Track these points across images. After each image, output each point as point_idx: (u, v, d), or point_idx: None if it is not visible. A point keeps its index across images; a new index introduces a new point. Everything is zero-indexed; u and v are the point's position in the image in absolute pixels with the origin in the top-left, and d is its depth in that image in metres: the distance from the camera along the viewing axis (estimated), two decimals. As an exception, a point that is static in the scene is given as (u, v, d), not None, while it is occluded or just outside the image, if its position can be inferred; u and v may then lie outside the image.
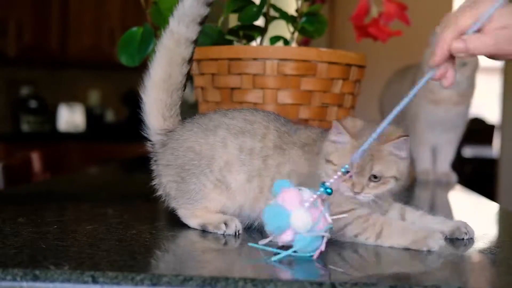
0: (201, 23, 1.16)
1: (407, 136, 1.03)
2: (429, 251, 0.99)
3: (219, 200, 1.12)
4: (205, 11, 1.15)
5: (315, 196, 0.94)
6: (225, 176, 1.11)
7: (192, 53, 1.18)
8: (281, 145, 1.10)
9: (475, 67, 2.03)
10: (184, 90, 1.20)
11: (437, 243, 0.99)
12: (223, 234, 1.09)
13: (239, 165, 1.10)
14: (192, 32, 1.15)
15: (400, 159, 1.04)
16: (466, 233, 1.09)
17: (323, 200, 0.95)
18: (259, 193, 1.10)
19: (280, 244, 0.95)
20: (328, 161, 1.04)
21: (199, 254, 0.98)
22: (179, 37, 1.15)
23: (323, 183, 0.95)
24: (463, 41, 1.01)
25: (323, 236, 0.93)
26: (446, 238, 1.08)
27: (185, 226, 1.15)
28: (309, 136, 1.12)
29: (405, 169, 1.06)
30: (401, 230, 1.01)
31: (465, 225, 1.11)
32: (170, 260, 0.95)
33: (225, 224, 1.09)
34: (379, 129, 1.00)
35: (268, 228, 0.95)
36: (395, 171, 1.04)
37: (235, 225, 1.09)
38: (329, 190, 0.95)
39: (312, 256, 0.92)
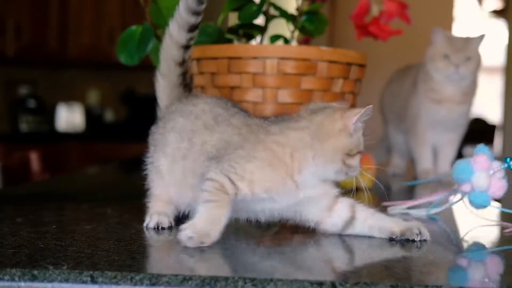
0: (190, 30, 1.18)
1: (370, 107, 1.06)
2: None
3: (161, 190, 1.15)
4: (191, 19, 1.17)
5: (501, 167, 1.21)
6: (158, 159, 1.14)
7: (184, 58, 1.21)
8: (212, 125, 1.10)
9: (479, 62, 2.02)
10: (185, 88, 1.23)
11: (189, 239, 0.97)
12: (145, 227, 1.11)
13: (165, 145, 1.13)
14: (181, 37, 1.19)
15: (360, 133, 1.08)
16: (418, 234, 1.07)
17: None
18: (182, 177, 1.11)
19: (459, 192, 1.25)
20: (354, 154, 1.05)
21: (199, 254, 0.97)
22: (172, 39, 1.20)
23: (507, 158, 1.20)
24: None
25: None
26: (396, 238, 1.08)
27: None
28: (244, 118, 1.11)
29: (361, 138, 1.09)
30: (215, 216, 0.99)
31: (419, 226, 1.08)
32: (169, 260, 0.95)
33: (150, 217, 1.12)
34: None
35: (453, 176, 1.22)
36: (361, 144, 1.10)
37: (157, 220, 1.11)
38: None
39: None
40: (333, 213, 1.10)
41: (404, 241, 1.07)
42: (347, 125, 1.04)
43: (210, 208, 0.99)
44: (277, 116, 1.13)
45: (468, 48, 2.00)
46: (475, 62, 2.01)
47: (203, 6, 1.17)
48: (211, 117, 1.12)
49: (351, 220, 1.10)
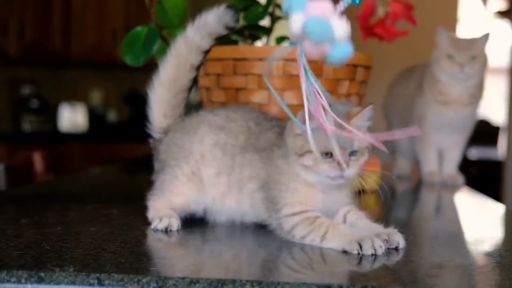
0: (216, 39, 1.20)
1: (371, 104, 1.06)
2: (373, 255, 0.98)
3: (186, 195, 1.16)
4: (222, 31, 1.19)
5: (342, 5, 0.90)
6: (199, 168, 1.15)
7: (202, 61, 1.23)
8: (246, 146, 1.14)
9: (485, 61, 2.01)
10: (189, 94, 1.25)
11: (376, 248, 0.99)
12: (153, 229, 1.11)
13: (210, 159, 1.15)
14: (206, 43, 1.20)
15: (367, 129, 1.07)
16: (385, 241, 1.04)
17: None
18: (227, 188, 1.14)
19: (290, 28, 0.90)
20: (304, 153, 1.04)
21: (206, 256, 0.97)
22: (191, 44, 1.20)
23: None
24: None
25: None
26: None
27: (192, 228, 1.14)
28: (269, 140, 1.13)
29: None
30: (345, 233, 1.02)
31: (389, 233, 1.05)
32: (176, 262, 0.94)
33: (160, 219, 1.12)
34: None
35: (312, 37, 0.88)
36: (367, 142, 1.05)
37: (168, 223, 1.12)
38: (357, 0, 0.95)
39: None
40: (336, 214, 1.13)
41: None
42: (292, 127, 1.06)
43: (334, 237, 1.02)
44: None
45: (472, 48, 2.00)
46: (481, 61, 2.00)
47: (237, 24, 1.19)
48: (246, 137, 1.15)
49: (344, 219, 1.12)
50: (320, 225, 1.03)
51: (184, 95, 1.24)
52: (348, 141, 1.03)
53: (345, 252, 0.99)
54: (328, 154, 1.03)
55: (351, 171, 1.04)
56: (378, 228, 1.08)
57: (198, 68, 1.23)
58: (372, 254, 0.98)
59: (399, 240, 1.05)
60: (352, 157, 1.04)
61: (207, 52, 1.22)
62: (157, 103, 1.23)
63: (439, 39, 2.03)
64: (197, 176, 1.16)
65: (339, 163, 1.02)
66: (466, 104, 2.05)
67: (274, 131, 1.14)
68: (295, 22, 0.89)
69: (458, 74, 1.99)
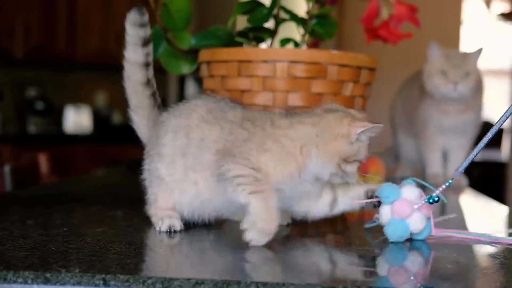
0: (143, 44, 1.24)
1: (381, 125, 1.08)
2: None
3: (164, 197, 1.14)
4: (140, 32, 1.24)
5: (422, 200, 1.10)
6: (158, 168, 1.13)
7: (147, 76, 1.25)
8: (209, 119, 1.11)
9: (478, 78, 1.99)
10: (159, 108, 1.26)
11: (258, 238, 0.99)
12: (159, 231, 1.11)
13: (160, 149, 1.13)
14: (139, 55, 1.24)
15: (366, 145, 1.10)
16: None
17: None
18: (184, 175, 1.10)
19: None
20: (351, 161, 1.06)
21: (211, 257, 0.97)
22: (131, 64, 1.26)
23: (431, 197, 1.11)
24: None
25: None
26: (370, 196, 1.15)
27: (195, 229, 1.14)
28: (252, 115, 1.11)
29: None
30: (265, 213, 0.99)
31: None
32: (181, 263, 0.95)
33: (162, 221, 1.12)
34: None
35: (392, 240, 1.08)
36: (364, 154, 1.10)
37: (170, 223, 1.11)
38: (435, 198, 1.11)
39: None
40: (319, 200, 1.13)
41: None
42: (351, 133, 1.05)
43: (260, 201, 1.00)
44: (284, 110, 1.15)
45: (466, 64, 1.97)
46: (474, 78, 1.97)
47: (146, 17, 1.23)
48: (206, 111, 1.12)
49: (334, 200, 1.14)
50: (261, 185, 1.00)
51: (155, 113, 1.25)
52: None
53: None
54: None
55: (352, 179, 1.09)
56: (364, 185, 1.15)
57: (148, 83, 1.25)
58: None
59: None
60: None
61: (147, 64, 1.25)
62: (139, 131, 1.28)
63: (431, 54, 2.00)
64: (158, 177, 1.14)
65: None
66: (463, 111, 2.04)
67: (241, 107, 1.14)
68: (383, 215, 1.10)
69: (451, 93, 1.97)
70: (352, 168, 1.06)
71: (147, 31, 1.24)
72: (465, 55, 1.99)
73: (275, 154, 1.04)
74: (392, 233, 1.07)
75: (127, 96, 1.27)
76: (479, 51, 1.98)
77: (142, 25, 1.24)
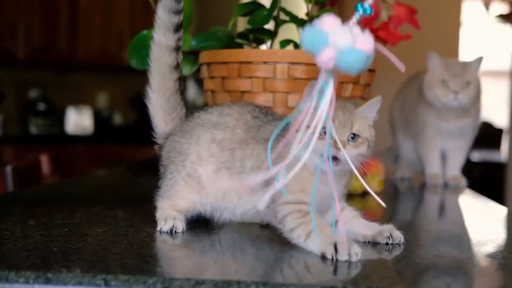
0: (176, 30, 1.24)
1: (380, 96, 1.06)
2: (346, 261, 0.95)
3: (188, 198, 1.16)
4: (174, 19, 1.23)
5: (354, 19, 0.88)
6: (195, 169, 1.15)
7: (177, 60, 1.26)
8: (245, 139, 1.14)
9: (478, 87, 1.99)
10: (182, 94, 1.27)
11: (353, 254, 0.95)
12: (159, 231, 1.12)
13: (207, 156, 1.15)
14: (169, 39, 1.24)
15: (370, 125, 1.07)
16: (389, 238, 1.07)
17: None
18: (228, 183, 1.13)
19: (320, 64, 0.88)
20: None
21: (211, 257, 0.98)
22: (160, 46, 1.24)
23: (359, 4, 0.89)
24: None
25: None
26: (369, 242, 1.08)
27: (197, 229, 1.15)
28: (271, 131, 1.10)
29: (374, 137, 1.07)
30: (328, 236, 0.98)
31: (390, 230, 1.09)
32: (182, 264, 0.95)
33: (165, 221, 1.13)
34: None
35: (305, 48, 0.88)
36: (369, 134, 1.05)
37: (172, 224, 1.12)
38: (368, 10, 0.90)
39: None
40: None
41: (379, 244, 1.08)
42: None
43: (315, 239, 0.99)
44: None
45: (466, 73, 1.96)
46: (475, 88, 1.97)
47: (181, 4, 1.23)
48: (244, 129, 1.15)
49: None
50: (310, 222, 0.99)
51: (176, 98, 1.26)
52: (348, 122, 1.03)
53: (323, 257, 0.96)
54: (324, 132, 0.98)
55: (348, 153, 0.99)
56: (376, 226, 1.09)
57: (177, 67, 1.25)
58: (346, 261, 0.95)
59: (400, 235, 1.07)
60: (351, 142, 1.03)
61: (177, 49, 1.25)
62: (154, 111, 1.27)
63: (431, 64, 2.00)
64: (193, 178, 1.15)
65: (335, 142, 0.99)
66: (462, 117, 2.05)
67: (275, 123, 1.13)
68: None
69: (452, 102, 1.97)
70: None
71: (181, 18, 1.24)
72: (465, 64, 1.99)
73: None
74: (308, 40, 0.88)
75: (150, 76, 1.26)
76: (479, 60, 1.98)
77: (177, 12, 1.23)
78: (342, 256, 0.94)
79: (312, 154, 0.95)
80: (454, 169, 2.13)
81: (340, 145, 0.99)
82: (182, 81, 1.28)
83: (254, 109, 1.18)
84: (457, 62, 2.02)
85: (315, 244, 0.98)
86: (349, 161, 0.97)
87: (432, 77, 1.99)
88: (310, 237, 0.99)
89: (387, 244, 1.07)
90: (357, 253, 0.95)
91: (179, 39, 1.25)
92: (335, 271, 0.92)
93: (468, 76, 1.96)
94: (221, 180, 1.14)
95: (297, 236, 1.01)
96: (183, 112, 1.27)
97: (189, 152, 1.16)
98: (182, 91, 1.27)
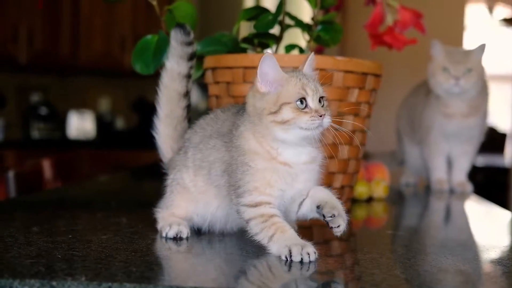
0: (190, 59, 1.26)
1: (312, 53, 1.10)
2: (301, 262, 0.97)
3: (183, 206, 1.17)
4: (188, 49, 1.25)
5: None
6: (183, 177, 1.16)
7: (188, 87, 1.27)
8: (211, 134, 1.15)
9: (481, 73, 2.00)
10: (188, 124, 1.28)
11: (304, 255, 0.98)
12: (164, 237, 1.12)
13: (191, 162, 1.16)
14: (182, 67, 1.26)
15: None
16: (333, 216, 1.05)
17: None
18: (204, 185, 1.14)
19: None
20: (279, 108, 1.02)
21: (217, 265, 0.97)
22: (172, 73, 1.26)
23: None
24: None
25: None
26: (319, 209, 1.07)
27: (201, 236, 1.14)
28: (232, 123, 1.12)
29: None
30: (289, 238, 1.01)
31: (341, 212, 1.06)
32: (187, 271, 0.94)
33: (170, 226, 1.13)
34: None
35: None
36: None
37: (177, 229, 1.12)
38: None
39: None
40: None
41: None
42: (256, 88, 1.06)
43: (278, 240, 1.01)
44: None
45: (468, 60, 1.98)
46: (477, 74, 1.98)
47: (191, 36, 1.25)
48: (212, 127, 1.16)
49: (303, 201, 1.10)
50: (271, 226, 1.02)
51: (183, 126, 1.27)
52: (317, 88, 1.05)
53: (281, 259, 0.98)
54: (303, 103, 1.02)
55: (328, 118, 1.03)
56: (337, 203, 1.07)
57: (186, 95, 1.26)
58: (300, 261, 0.97)
59: (341, 223, 1.05)
60: (323, 106, 1.05)
61: (188, 76, 1.26)
62: (161, 141, 1.28)
63: (434, 52, 2.02)
64: (185, 188, 1.16)
65: (316, 111, 1.02)
66: (467, 115, 2.04)
67: (237, 115, 1.13)
68: None
69: (453, 88, 1.98)
70: (286, 113, 1.02)
71: (194, 48, 1.26)
72: (467, 52, 2.02)
73: (245, 164, 1.06)
74: None
75: (159, 105, 1.26)
76: (482, 47, 1.99)
77: (188, 43, 1.25)
78: (296, 258, 0.97)
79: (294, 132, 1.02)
80: (460, 174, 2.12)
81: (323, 111, 1.03)
82: (189, 108, 1.29)
83: (230, 107, 1.19)
84: (459, 50, 2.05)
85: (275, 248, 1.01)
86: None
87: (435, 64, 2.02)
88: (272, 240, 1.02)
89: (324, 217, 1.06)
90: (309, 253, 0.98)
91: (191, 67, 1.26)
92: (342, 276, 0.90)
93: (470, 63, 1.98)
94: (199, 183, 1.14)
95: (260, 239, 1.03)
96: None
97: (179, 163, 1.18)
98: (190, 118, 1.28)
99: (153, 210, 1.20)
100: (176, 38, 1.24)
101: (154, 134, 1.27)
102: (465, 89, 1.98)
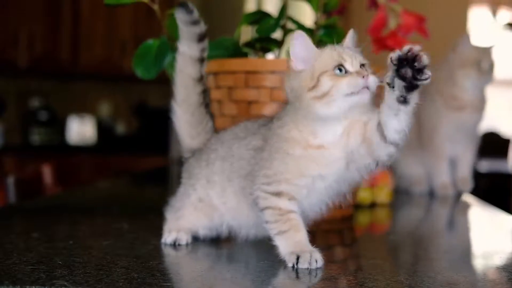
0: (199, 40, 1.20)
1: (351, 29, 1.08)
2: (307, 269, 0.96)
3: (191, 222, 1.14)
4: (195, 29, 1.18)
5: None
6: (208, 193, 1.13)
7: (201, 72, 1.22)
8: (239, 152, 1.11)
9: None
10: (206, 107, 1.23)
11: (311, 263, 0.97)
12: (163, 243, 1.11)
13: (215, 177, 1.13)
14: (193, 50, 1.20)
15: None
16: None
17: None
18: (235, 199, 1.10)
19: None
20: (317, 80, 0.98)
21: (220, 272, 0.96)
22: (184, 57, 1.20)
23: None
24: None
25: None
26: None
27: (203, 242, 1.13)
28: (263, 135, 1.09)
29: None
30: (298, 242, 0.99)
31: None
32: (189, 278, 0.93)
33: (169, 232, 1.12)
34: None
35: None
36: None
37: (176, 237, 1.11)
38: None
39: None
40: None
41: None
42: (292, 69, 1.02)
43: (288, 239, 1.00)
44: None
45: (492, 55, 2.08)
46: (494, 70, 2.09)
47: (195, 14, 1.18)
48: (237, 144, 1.12)
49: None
50: (286, 221, 1.00)
51: (201, 112, 1.22)
52: (356, 55, 1.01)
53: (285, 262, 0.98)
54: (342, 70, 0.97)
55: (373, 78, 0.97)
56: None
57: (201, 79, 1.21)
58: (307, 268, 0.96)
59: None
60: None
61: (202, 60, 1.21)
62: (180, 125, 1.23)
63: (464, 45, 2.09)
64: (205, 202, 1.13)
65: (358, 73, 0.97)
66: (477, 108, 2.11)
67: (265, 128, 1.10)
68: None
69: (483, 81, 2.07)
70: (326, 83, 0.97)
71: (202, 27, 1.19)
72: (490, 48, 2.10)
73: (279, 150, 1.02)
74: None
75: (175, 89, 1.21)
76: (494, 46, 2.11)
77: (193, 22, 1.18)
78: (303, 265, 0.96)
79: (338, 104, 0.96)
80: (464, 170, 2.16)
81: (365, 72, 0.98)
82: (206, 94, 1.24)
83: (248, 123, 1.16)
84: (484, 46, 2.12)
85: (282, 245, 1.00)
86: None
87: (465, 58, 2.08)
88: (282, 236, 1.00)
89: None
90: (317, 259, 0.97)
91: (203, 50, 1.20)
92: (349, 286, 0.89)
93: (493, 58, 2.09)
94: (229, 198, 1.11)
95: (271, 228, 1.01)
96: (209, 126, 1.23)
97: (200, 176, 1.15)
98: (207, 104, 1.24)
99: (159, 210, 1.18)
100: (180, 18, 1.17)
101: (173, 118, 1.22)
102: (490, 82, 2.10)
